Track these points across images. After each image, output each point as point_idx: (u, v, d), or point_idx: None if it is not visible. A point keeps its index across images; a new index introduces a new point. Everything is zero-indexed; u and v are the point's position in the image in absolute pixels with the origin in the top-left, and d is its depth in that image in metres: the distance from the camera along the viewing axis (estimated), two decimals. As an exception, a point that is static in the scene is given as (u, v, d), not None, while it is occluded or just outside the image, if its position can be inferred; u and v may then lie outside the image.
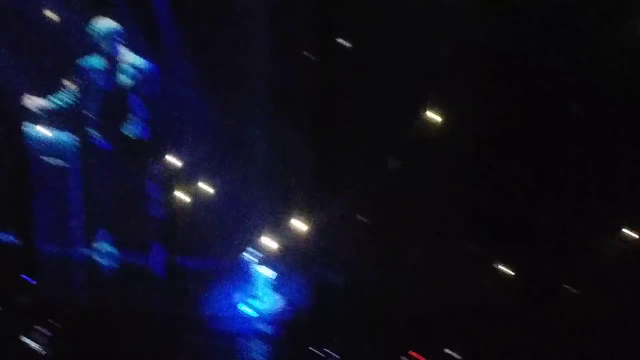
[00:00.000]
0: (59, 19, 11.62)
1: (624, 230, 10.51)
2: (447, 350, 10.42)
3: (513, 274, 10.86)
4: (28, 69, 11.72)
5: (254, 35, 11.13)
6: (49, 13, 11.57)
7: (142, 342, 10.90)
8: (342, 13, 10.52)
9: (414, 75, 10.64)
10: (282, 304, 11.51)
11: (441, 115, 10.59)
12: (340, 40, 10.57)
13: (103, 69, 11.49)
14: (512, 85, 10.51)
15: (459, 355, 10.37)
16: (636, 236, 10.46)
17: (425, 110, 10.59)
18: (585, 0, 10.29)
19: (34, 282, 11.86)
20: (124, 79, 11.48)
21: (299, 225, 11.00)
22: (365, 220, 11.15)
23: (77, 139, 11.80)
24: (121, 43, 11.35)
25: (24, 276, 11.84)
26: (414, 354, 10.41)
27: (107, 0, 11.21)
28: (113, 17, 11.22)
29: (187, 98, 11.54)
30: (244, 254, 11.50)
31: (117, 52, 11.40)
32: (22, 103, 11.58)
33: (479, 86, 10.58)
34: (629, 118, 10.57)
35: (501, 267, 10.86)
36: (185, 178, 11.66)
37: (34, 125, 11.70)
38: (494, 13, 10.43)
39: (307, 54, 10.65)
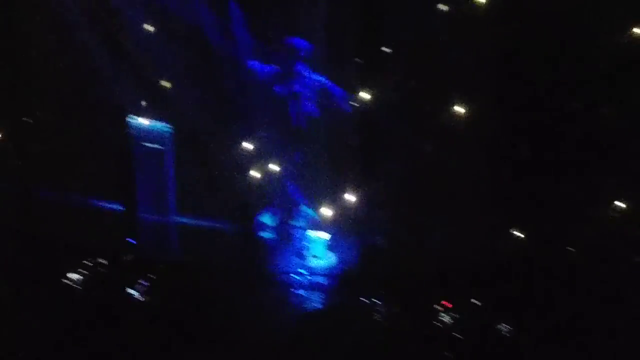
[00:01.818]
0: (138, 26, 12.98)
1: (617, 203, 11.82)
2: (471, 300, 11.63)
3: (523, 237, 12.14)
4: (129, 71, 12.94)
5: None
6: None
7: (222, 291, 12.02)
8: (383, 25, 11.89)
9: (441, 74, 11.96)
10: (335, 260, 12.87)
11: (463, 110, 11.88)
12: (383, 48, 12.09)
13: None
14: (523, 83, 11.75)
15: (479, 302, 11.63)
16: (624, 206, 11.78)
17: (450, 106, 11.91)
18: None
19: (136, 243, 13.23)
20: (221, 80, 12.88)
21: (350, 198, 12.36)
22: (401, 195, 12.39)
23: (171, 127, 13.07)
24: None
25: (128, 239, 13.20)
26: (443, 302, 11.62)
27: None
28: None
29: (265, 102, 12.94)
30: (305, 220, 12.91)
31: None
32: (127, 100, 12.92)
33: (496, 85, 11.83)
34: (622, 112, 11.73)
35: (513, 232, 12.17)
36: (262, 161, 12.87)
37: (136, 117, 13.02)
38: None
39: (357, 59, 12.16)
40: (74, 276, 12.26)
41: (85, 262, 12.39)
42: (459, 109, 11.96)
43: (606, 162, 11.81)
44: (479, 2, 11.59)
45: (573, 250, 11.88)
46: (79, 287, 12.21)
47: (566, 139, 11.88)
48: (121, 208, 13.44)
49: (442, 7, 11.81)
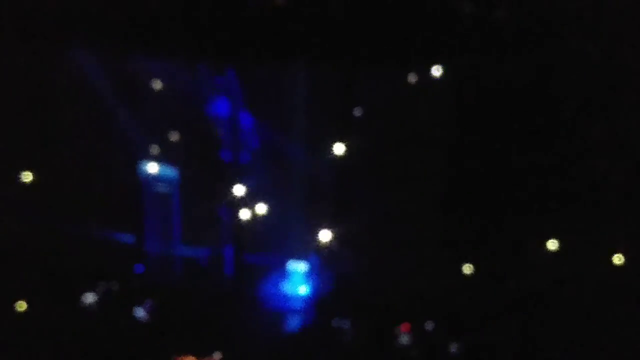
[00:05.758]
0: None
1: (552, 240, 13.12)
2: (426, 324, 12.96)
3: (475, 272, 13.45)
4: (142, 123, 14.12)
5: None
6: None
7: (217, 313, 13.26)
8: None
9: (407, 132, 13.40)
10: (310, 288, 14.00)
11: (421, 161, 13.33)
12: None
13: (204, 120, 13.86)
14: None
15: (435, 326, 12.94)
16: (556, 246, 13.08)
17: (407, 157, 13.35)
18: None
19: (144, 270, 14.46)
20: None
21: (326, 234, 13.66)
22: (371, 235, 13.68)
23: (176, 172, 14.25)
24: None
25: (138, 265, 14.36)
26: (404, 325, 12.93)
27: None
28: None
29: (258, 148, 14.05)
30: (288, 252, 14.05)
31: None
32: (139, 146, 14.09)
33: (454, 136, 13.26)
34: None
35: (466, 267, 13.46)
36: (252, 201, 14.03)
37: (147, 163, 14.20)
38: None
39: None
40: (89, 297, 13.48)
41: (99, 285, 13.63)
42: (416, 161, 13.38)
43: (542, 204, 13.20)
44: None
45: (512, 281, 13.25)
46: (93, 306, 13.44)
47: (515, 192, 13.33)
48: (132, 240, 14.64)
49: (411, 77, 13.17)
